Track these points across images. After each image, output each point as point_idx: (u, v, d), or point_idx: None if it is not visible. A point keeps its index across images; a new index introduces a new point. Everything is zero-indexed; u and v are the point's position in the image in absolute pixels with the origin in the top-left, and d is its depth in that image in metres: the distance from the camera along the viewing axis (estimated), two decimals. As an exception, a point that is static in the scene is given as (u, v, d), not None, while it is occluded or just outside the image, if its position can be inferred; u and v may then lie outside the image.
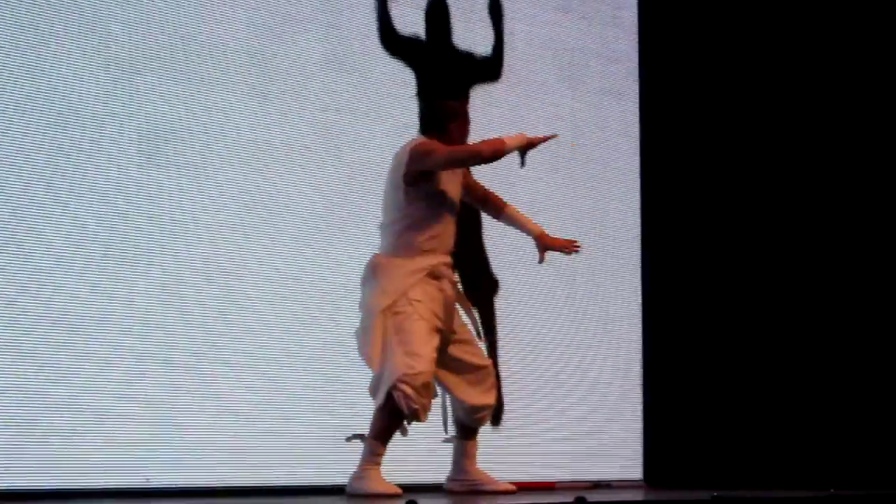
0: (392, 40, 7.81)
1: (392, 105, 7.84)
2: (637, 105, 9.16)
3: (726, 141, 9.36)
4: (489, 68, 8.36)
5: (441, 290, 5.96)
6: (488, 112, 8.23)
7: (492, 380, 6.17)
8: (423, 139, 6.03)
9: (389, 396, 5.79)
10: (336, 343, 7.17)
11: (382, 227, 6.04)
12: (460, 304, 6.16)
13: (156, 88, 6.92)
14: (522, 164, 6.07)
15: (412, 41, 7.96)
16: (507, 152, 5.99)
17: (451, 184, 6.04)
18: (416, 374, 5.76)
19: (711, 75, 9.38)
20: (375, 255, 6.01)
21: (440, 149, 5.93)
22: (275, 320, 7.18)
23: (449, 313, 6.00)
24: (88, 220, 6.62)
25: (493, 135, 6.21)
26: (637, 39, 9.22)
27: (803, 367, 9.12)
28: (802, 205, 9.32)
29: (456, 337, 6.08)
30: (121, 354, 6.63)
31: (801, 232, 9.28)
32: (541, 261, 6.28)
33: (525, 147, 6.04)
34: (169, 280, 6.86)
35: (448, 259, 6.04)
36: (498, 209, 6.35)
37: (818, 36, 9.40)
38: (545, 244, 6.26)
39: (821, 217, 9.29)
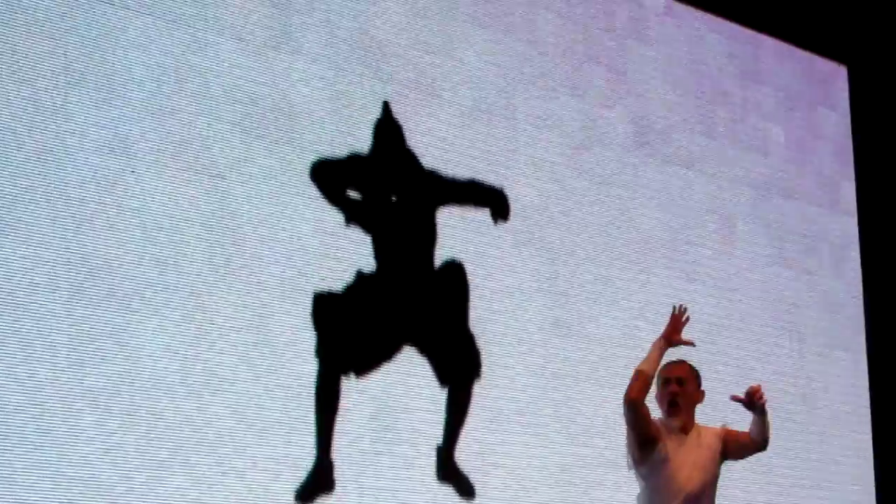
0: None
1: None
2: (865, 358, 9.03)
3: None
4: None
5: None
6: (713, 365, 8.19)
7: None
8: None
9: None
10: None
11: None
12: None
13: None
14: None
15: None
16: (653, 372, 5.75)
17: (687, 460, 5.78)
18: None
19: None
20: None
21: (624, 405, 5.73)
22: None
23: None
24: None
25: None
26: (861, 291, 9.15)
27: None
28: None
29: None
30: None
31: None
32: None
33: (666, 346, 5.77)
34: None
35: None
36: (753, 432, 6.03)
37: None
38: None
39: None
